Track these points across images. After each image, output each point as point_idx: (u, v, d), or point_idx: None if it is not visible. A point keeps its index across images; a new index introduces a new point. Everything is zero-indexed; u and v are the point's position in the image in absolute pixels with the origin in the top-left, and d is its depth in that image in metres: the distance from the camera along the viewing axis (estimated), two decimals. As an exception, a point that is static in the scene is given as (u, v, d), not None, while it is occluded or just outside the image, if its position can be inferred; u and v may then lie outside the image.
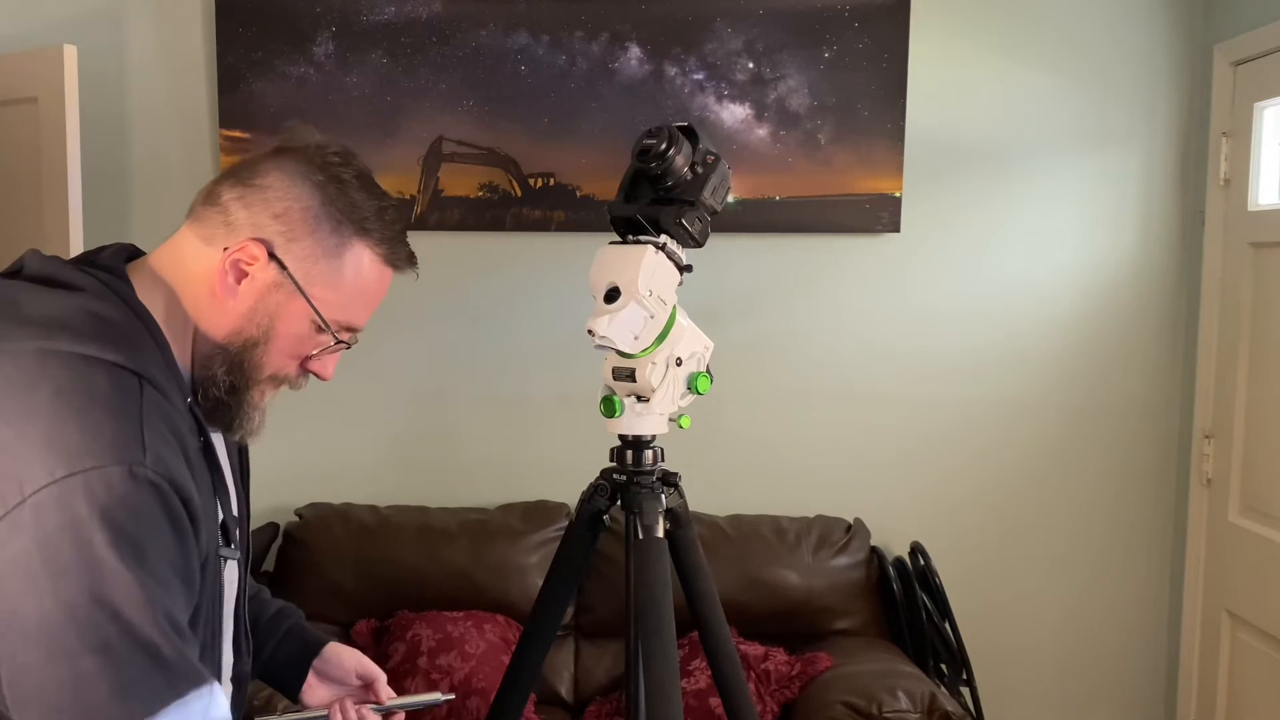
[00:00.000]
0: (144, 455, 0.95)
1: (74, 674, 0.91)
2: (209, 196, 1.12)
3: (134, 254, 1.17)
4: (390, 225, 1.15)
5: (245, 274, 1.09)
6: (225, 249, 1.09)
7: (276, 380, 1.17)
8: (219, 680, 1.09)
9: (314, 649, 1.41)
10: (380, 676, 1.41)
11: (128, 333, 1.03)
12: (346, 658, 1.41)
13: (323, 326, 1.13)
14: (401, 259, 1.17)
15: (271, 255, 1.09)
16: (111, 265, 1.10)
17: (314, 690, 1.40)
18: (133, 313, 1.05)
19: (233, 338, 1.11)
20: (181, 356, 1.11)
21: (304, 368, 1.18)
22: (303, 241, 1.10)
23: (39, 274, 1.07)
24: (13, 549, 0.92)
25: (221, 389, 1.11)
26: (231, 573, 1.17)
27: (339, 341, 1.16)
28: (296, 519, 2.85)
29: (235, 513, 1.16)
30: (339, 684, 1.41)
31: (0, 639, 0.92)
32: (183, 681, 0.95)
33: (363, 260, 1.13)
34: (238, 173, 1.12)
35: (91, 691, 0.91)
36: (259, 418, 1.16)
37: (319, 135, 1.16)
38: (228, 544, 1.12)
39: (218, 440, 1.14)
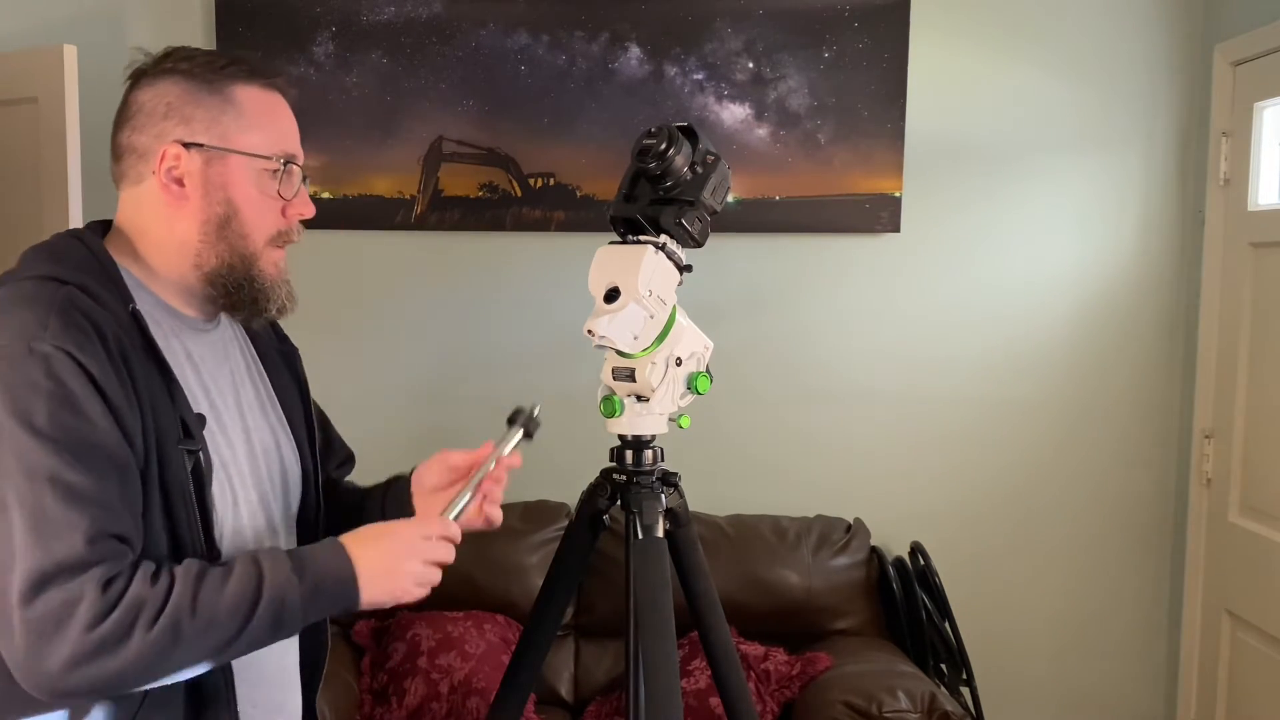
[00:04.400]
0: (44, 333, 1.08)
1: None
2: (115, 154, 1.25)
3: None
4: (241, 60, 1.26)
5: (180, 176, 1.21)
6: (155, 173, 1.21)
7: (274, 241, 1.26)
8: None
9: (403, 485, 1.43)
10: (471, 454, 1.41)
11: (66, 256, 1.19)
12: (427, 473, 1.41)
13: (269, 164, 1.23)
14: (270, 73, 1.28)
15: (185, 145, 1.20)
16: (90, 225, 1.27)
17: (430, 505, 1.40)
18: (83, 244, 1.21)
19: (206, 227, 1.22)
20: (159, 283, 1.24)
21: (287, 216, 1.27)
22: (196, 115, 1.21)
23: None
24: None
25: (225, 274, 1.23)
26: (202, 463, 1.19)
27: (287, 164, 1.25)
28: (296, 519, 2.85)
29: (199, 412, 1.22)
30: (439, 489, 1.40)
31: None
32: (61, 540, 1.04)
33: (248, 93, 1.24)
34: (118, 121, 1.25)
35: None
36: (284, 290, 1.27)
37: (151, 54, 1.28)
38: (189, 437, 1.18)
39: (179, 348, 1.23)
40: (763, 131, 2.88)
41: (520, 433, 1.37)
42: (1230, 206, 2.77)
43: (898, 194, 2.88)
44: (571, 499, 1.74)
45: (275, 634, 1.13)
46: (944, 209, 2.94)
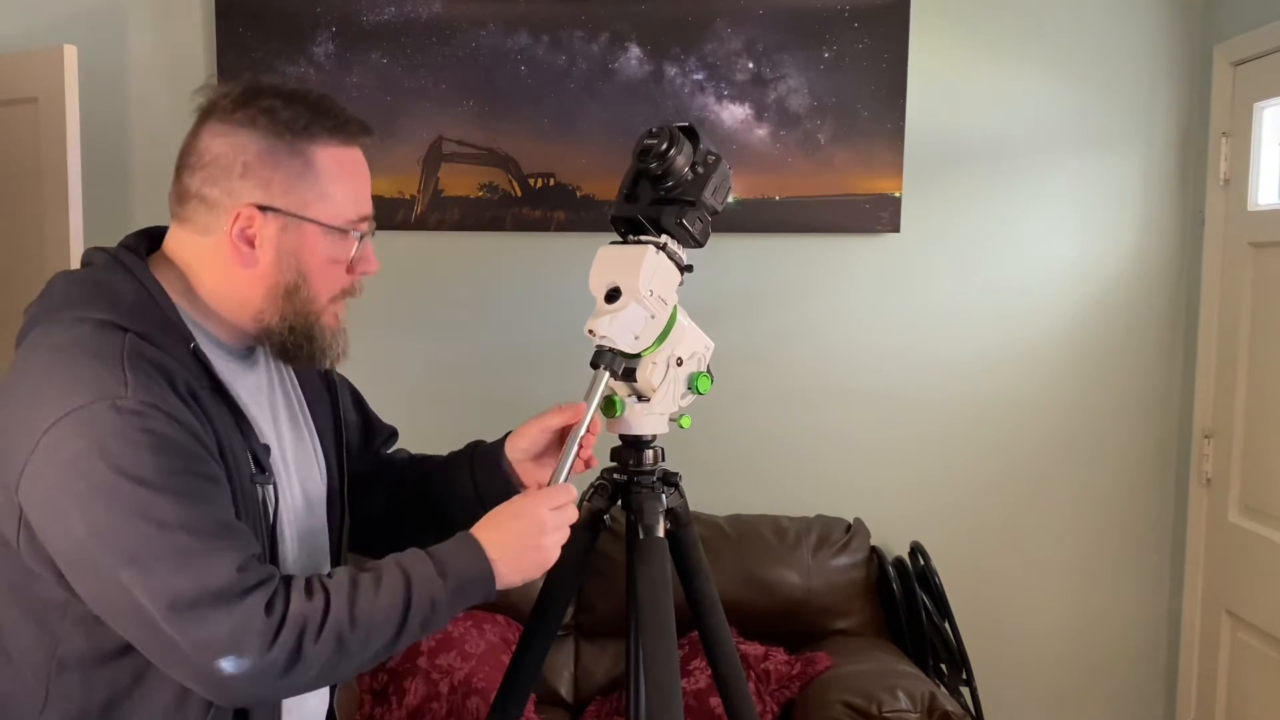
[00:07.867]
0: (125, 390, 1.07)
1: (119, 586, 1.05)
2: (180, 196, 1.21)
3: (160, 232, 1.28)
4: (325, 113, 1.21)
5: (252, 238, 1.19)
6: (225, 230, 1.18)
7: (337, 298, 1.26)
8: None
9: (496, 453, 1.48)
10: (562, 412, 1.45)
11: (121, 294, 1.16)
12: (523, 440, 1.46)
13: (342, 230, 1.22)
14: (354, 131, 1.24)
15: (261, 208, 1.18)
16: (131, 243, 1.23)
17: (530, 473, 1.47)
18: (134, 278, 1.17)
19: (273, 291, 1.21)
20: (210, 320, 1.22)
21: (352, 273, 1.27)
22: (274, 179, 1.18)
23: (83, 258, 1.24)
24: (41, 490, 1.06)
25: (285, 333, 1.22)
26: (271, 496, 1.23)
27: (362, 236, 1.25)
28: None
29: (266, 442, 1.24)
30: (541, 456, 1.46)
31: (67, 570, 1.08)
32: (213, 571, 1.06)
33: (328, 157, 1.21)
34: (187, 161, 1.21)
35: (138, 594, 1.04)
36: (341, 340, 1.27)
37: (223, 85, 1.23)
38: (261, 471, 1.21)
39: (235, 381, 1.22)
40: (762, 131, 2.88)
41: (606, 375, 1.40)
42: (1230, 206, 2.77)
43: (898, 194, 2.88)
44: (572, 499, 1.74)
45: (423, 633, 1.19)
46: (944, 209, 2.94)
